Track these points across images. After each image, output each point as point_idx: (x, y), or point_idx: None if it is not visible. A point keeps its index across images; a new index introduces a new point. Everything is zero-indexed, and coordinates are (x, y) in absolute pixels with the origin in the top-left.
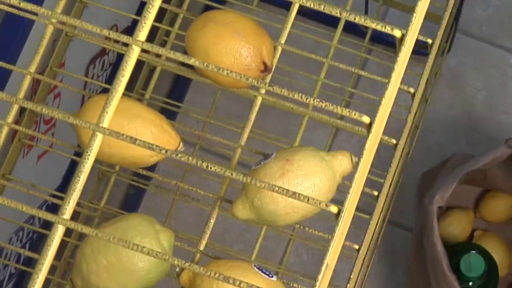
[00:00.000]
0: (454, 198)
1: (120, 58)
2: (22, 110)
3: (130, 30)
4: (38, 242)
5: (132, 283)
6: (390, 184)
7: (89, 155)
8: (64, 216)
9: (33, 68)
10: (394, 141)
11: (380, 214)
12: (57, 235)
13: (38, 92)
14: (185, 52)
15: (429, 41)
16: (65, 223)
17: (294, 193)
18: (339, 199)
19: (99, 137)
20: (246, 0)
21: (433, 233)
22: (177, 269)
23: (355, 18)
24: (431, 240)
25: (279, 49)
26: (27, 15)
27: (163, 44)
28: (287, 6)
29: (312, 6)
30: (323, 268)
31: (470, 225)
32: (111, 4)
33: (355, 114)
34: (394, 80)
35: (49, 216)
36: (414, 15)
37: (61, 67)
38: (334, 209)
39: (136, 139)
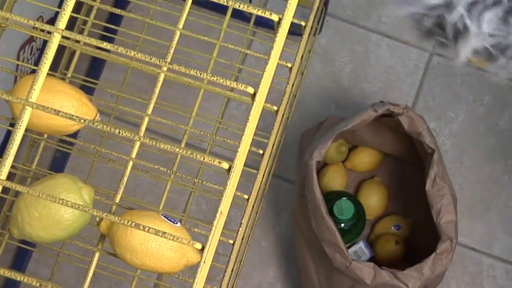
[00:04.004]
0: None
1: (46, 44)
2: None
3: (53, 20)
4: None
5: (60, 231)
6: (273, 144)
7: (20, 125)
8: (1, 176)
9: None
10: (276, 108)
11: (265, 169)
12: None
13: None
14: (100, 38)
15: (303, 23)
16: (2, 182)
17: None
18: (230, 157)
19: (29, 110)
20: None
21: (313, 183)
22: (97, 219)
23: (240, 6)
24: (311, 189)
25: (177, 33)
26: None
27: (81, 31)
28: None
29: None
30: (218, 215)
31: (345, 177)
32: None
33: (241, 86)
34: (273, 56)
35: None
36: (289, 1)
37: None
38: (225, 165)
39: (59, 111)
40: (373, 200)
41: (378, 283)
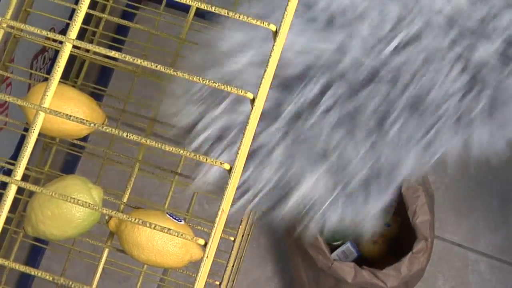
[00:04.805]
0: None
1: (57, 54)
2: None
3: (65, 31)
4: None
5: (71, 229)
6: None
7: (33, 129)
8: (16, 177)
9: None
10: None
11: None
12: (11, 192)
13: None
14: (108, 47)
15: None
16: (17, 182)
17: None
18: (231, 159)
19: (42, 115)
20: (155, 6)
21: None
22: (106, 217)
23: (239, 17)
24: None
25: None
26: None
27: (90, 41)
28: (187, 9)
29: (205, 8)
30: (219, 213)
31: None
32: (49, 11)
33: (242, 92)
34: (271, 64)
35: (3, 178)
36: (286, 12)
37: (11, 62)
38: (226, 166)
39: (71, 116)
40: None
41: (359, 281)
